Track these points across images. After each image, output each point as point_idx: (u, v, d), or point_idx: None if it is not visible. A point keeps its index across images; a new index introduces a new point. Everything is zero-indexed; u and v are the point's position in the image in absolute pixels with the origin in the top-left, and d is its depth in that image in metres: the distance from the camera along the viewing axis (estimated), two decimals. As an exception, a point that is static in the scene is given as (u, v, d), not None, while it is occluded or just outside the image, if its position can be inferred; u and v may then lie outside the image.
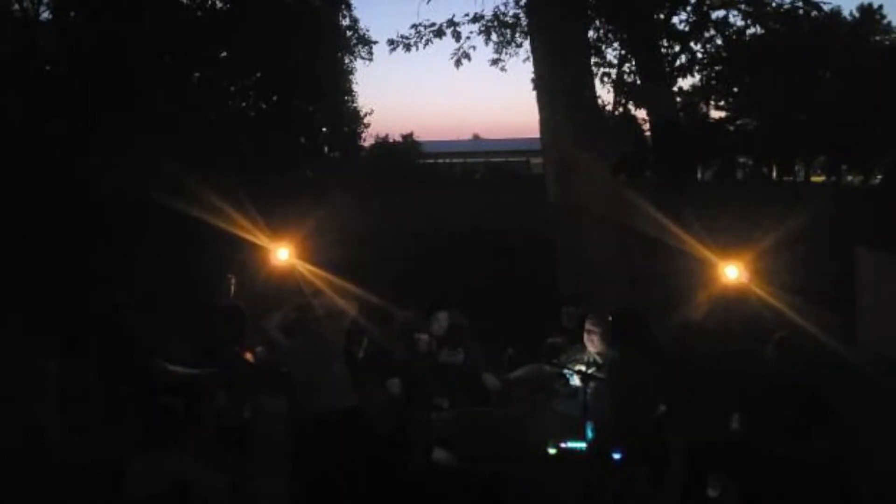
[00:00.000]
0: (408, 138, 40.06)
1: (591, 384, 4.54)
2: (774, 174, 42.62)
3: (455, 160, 47.08)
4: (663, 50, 13.92)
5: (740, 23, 13.97)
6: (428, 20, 11.03)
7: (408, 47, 10.87)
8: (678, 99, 23.54)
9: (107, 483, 3.77)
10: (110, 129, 12.57)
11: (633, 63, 14.13)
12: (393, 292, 6.43)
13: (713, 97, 33.47)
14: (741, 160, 42.93)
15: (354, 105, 23.34)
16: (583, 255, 7.64)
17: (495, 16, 12.13)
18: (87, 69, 13.70)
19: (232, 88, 18.98)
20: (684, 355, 6.15)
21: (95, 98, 13.07)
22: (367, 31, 21.57)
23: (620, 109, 15.55)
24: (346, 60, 21.70)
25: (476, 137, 61.58)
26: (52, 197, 11.27)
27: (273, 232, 6.37)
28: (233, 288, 5.69)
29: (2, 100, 13.39)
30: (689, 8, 13.32)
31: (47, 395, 4.73)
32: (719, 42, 14.56)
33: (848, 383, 5.58)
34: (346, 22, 21.06)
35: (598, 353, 4.85)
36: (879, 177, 35.66)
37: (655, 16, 13.24)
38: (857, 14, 38.57)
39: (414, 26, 10.66)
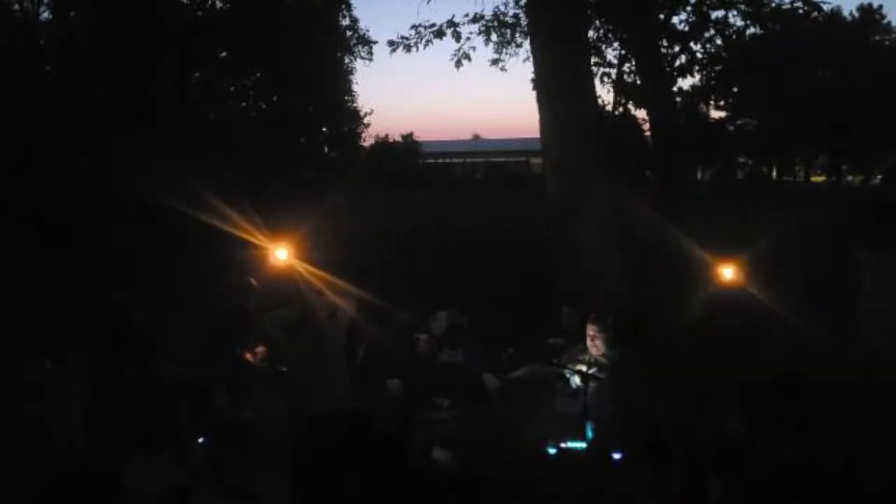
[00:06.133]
0: (408, 138, 40.01)
1: (592, 384, 4.55)
2: (774, 174, 42.58)
3: (455, 160, 47.02)
4: (663, 50, 13.93)
5: (740, 23, 13.97)
6: (428, 21, 11.11)
7: (408, 48, 10.94)
8: (678, 99, 23.49)
9: (106, 485, 3.77)
10: (109, 129, 12.57)
11: (633, 63, 14.15)
12: (393, 292, 6.42)
13: (713, 97, 33.39)
14: (741, 160, 42.87)
15: (354, 105, 23.37)
16: (582, 255, 7.64)
17: (495, 16, 12.21)
18: (87, 69, 13.72)
19: (232, 88, 19.00)
20: (683, 355, 6.14)
21: (94, 98, 13.07)
22: (367, 31, 21.63)
23: (620, 109, 15.57)
24: (346, 60, 21.73)
25: (476, 137, 61.45)
26: (53, 198, 11.27)
27: (272, 232, 6.35)
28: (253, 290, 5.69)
29: (1, 100, 13.38)
30: (689, 8, 13.35)
31: (47, 395, 4.73)
32: (719, 42, 14.56)
33: (848, 383, 5.57)
34: (346, 22, 21.09)
35: (601, 355, 4.86)
36: (879, 177, 35.66)
37: (655, 16, 13.26)
38: (857, 14, 38.58)
39: (414, 27, 10.75)
